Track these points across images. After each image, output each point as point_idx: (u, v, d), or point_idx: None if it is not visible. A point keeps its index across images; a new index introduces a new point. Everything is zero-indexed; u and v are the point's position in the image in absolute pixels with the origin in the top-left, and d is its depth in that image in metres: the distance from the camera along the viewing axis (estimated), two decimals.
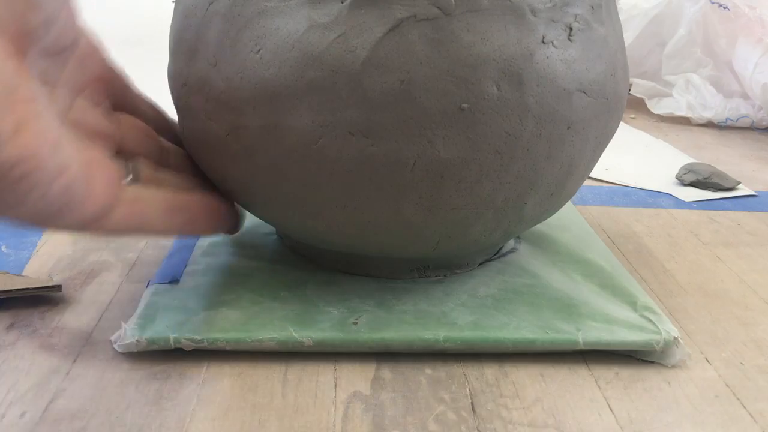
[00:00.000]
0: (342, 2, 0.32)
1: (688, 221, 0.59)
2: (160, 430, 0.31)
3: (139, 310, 0.37)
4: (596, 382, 0.35)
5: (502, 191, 0.36)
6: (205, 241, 0.46)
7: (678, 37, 0.97)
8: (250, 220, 0.49)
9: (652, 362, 0.37)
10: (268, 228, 0.48)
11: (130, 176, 0.33)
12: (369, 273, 0.42)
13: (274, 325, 0.36)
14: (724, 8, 0.93)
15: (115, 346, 0.35)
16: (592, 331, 0.37)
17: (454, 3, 0.32)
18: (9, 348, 0.36)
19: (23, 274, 0.44)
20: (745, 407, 0.34)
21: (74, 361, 0.35)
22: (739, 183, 0.68)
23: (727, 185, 0.66)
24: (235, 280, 0.41)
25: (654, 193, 0.66)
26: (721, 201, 0.65)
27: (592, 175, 0.68)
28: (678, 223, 0.58)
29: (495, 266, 0.44)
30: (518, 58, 0.33)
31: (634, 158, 0.77)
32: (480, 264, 0.44)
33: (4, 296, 0.39)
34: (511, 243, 0.47)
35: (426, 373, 0.36)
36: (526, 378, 0.35)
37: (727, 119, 0.94)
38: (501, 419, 0.32)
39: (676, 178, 0.69)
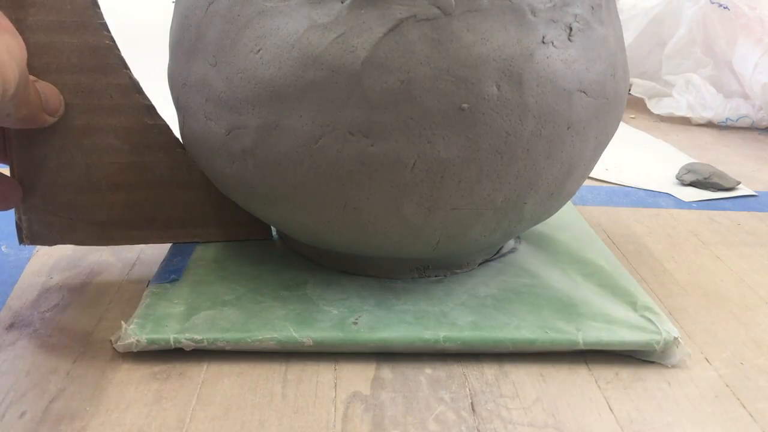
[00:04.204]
0: (342, 2, 0.32)
1: (688, 221, 0.59)
2: (160, 430, 0.31)
3: (139, 310, 0.37)
4: (596, 382, 0.35)
5: (502, 191, 0.36)
6: (205, 242, 0.46)
7: (678, 37, 0.97)
8: None
9: (652, 362, 0.37)
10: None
11: None
12: (369, 273, 0.42)
13: (274, 325, 0.36)
14: (724, 8, 0.93)
15: (115, 346, 0.35)
16: (592, 331, 0.37)
17: (454, 3, 0.32)
18: (9, 348, 0.36)
19: (23, 274, 0.44)
20: (745, 407, 0.34)
21: (74, 361, 0.35)
22: (739, 183, 0.68)
23: (727, 185, 0.66)
24: (235, 280, 0.41)
25: (654, 193, 0.66)
26: (721, 201, 0.65)
27: (592, 175, 0.68)
28: (678, 223, 0.58)
29: (495, 266, 0.44)
30: (518, 58, 0.33)
31: (634, 158, 0.77)
32: (480, 264, 0.44)
33: None
34: (511, 243, 0.47)
35: (426, 373, 0.36)
36: (526, 378, 0.35)
37: (727, 119, 0.94)
38: (501, 419, 0.32)
39: (676, 178, 0.69)
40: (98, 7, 0.38)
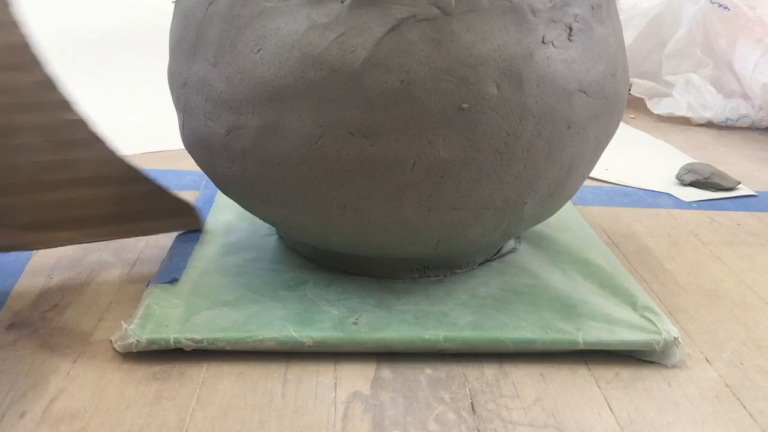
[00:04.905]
0: (342, 2, 0.32)
1: (688, 221, 0.59)
2: (160, 430, 0.31)
3: (139, 310, 0.37)
4: (596, 382, 0.35)
5: (502, 191, 0.36)
6: (205, 242, 0.46)
7: (678, 37, 0.97)
8: (250, 220, 0.49)
9: (652, 362, 0.37)
10: (268, 228, 0.48)
11: None
12: (369, 273, 0.42)
13: (274, 325, 0.36)
14: (724, 8, 0.93)
15: (115, 346, 0.35)
16: (592, 331, 0.37)
17: (454, 3, 0.32)
18: (9, 348, 0.36)
19: (23, 274, 0.44)
20: (745, 407, 0.34)
21: (74, 361, 0.35)
22: (739, 183, 0.68)
23: (727, 185, 0.66)
24: (235, 280, 0.41)
25: (654, 193, 0.66)
26: (721, 201, 0.65)
27: (592, 175, 0.68)
28: (678, 223, 0.58)
29: (495, 266, 0.44)
30: (518, 58, 0.33)
31: (634, 158, 0.77)
32: (480, 264, 0.44)
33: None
34: (511, 243, 0.47)
35: (426, 373, 0.36)
36: (526, 378, 0.35)
37: (727, 119, 0.94)
38: (501, 419, 0.32)
39: (676, 178, 0.69)
40: (12, 5, 0.37)
